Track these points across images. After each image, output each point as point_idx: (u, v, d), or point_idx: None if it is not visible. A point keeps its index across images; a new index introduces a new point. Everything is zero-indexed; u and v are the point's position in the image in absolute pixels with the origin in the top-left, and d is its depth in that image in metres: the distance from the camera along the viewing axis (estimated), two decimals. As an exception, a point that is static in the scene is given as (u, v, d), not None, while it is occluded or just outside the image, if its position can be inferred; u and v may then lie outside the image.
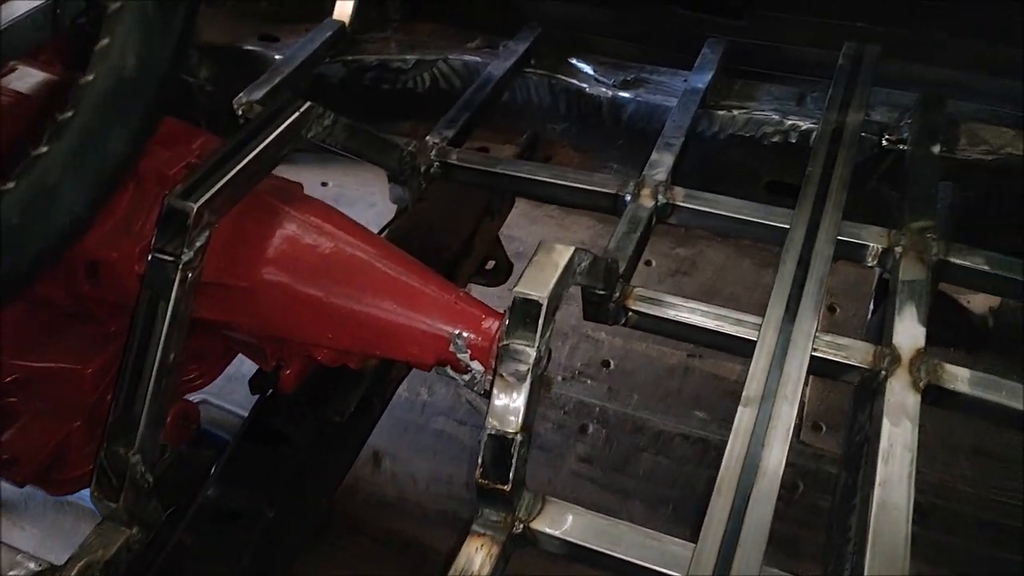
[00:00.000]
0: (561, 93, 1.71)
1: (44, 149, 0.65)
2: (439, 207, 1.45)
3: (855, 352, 0.99)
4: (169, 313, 0.84)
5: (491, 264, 1.76)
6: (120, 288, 0.96)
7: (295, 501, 1.08)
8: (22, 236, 0.65)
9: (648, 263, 2.47)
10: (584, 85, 1.68)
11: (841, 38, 1.57)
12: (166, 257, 0.85)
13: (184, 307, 0.85)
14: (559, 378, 2.16)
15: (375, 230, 2.48)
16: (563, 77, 1.70)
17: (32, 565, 0.81)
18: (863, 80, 1.41)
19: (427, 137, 1.41)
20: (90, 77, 0.70)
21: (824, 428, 1.98)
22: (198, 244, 0.86)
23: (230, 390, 1.67)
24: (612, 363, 2.19)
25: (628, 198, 1.27)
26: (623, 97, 1.65)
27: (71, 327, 1.02)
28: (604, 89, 1.66)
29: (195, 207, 0.85)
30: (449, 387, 2.13)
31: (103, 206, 0.73)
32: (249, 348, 1.09)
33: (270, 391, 1.14)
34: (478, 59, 1.75)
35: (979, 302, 2.09)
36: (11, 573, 0.81)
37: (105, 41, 0.70)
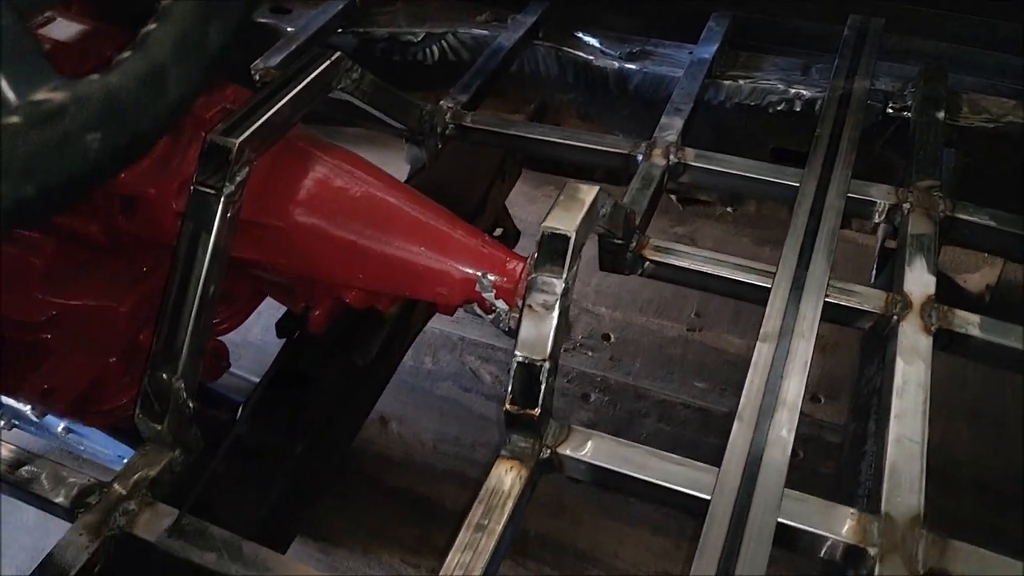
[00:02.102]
0: (568, 64, 1.75)
1: (152, 27, 0.68)
2: (454, 167, 1.48)
3: (868, 298, 1.03)
4: (211, 245, 0.87)
5: (499, 232, 1.79)
6: (156, 224, 0.99)
7: (321, 440, 1.11)
8: (139, 104, 0.68)
9: (646, 241, 2.50)
10: (591, 57, 1.72)
11: (843, 13, 1.61)
12: (208, 190, 0.87)
13: (225, 240, 0.88)
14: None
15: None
16: (570, 50, 1.74)
17: (80, 480, 0.84)
18: (868, 51, 1.45)
19: (441, 102, 1.44)
20: None
21: (822, 399, 2.02)
22: (239, 179, 0.88)
23: (237, 355, 1.71)
24: (612, 336, 2.23)
25: (640, 158, 1.30)
26: (629, 68, 1.68)
27: (104, 265, 1.04)
28: (610, 60, 1.70)
29: (236, 143, 0.87)
30: (453, 355, 2.17)
31: (202, 92, 0.76)
32: (279, 289, 1.11)
33: (296, 334, 1.17)
34: (486, 32, 1.78)
35: (976, 281, 2.13)
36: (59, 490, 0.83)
37: None
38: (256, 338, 2.01)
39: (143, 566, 0.84)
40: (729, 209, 2.70)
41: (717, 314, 2.26)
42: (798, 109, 1.54)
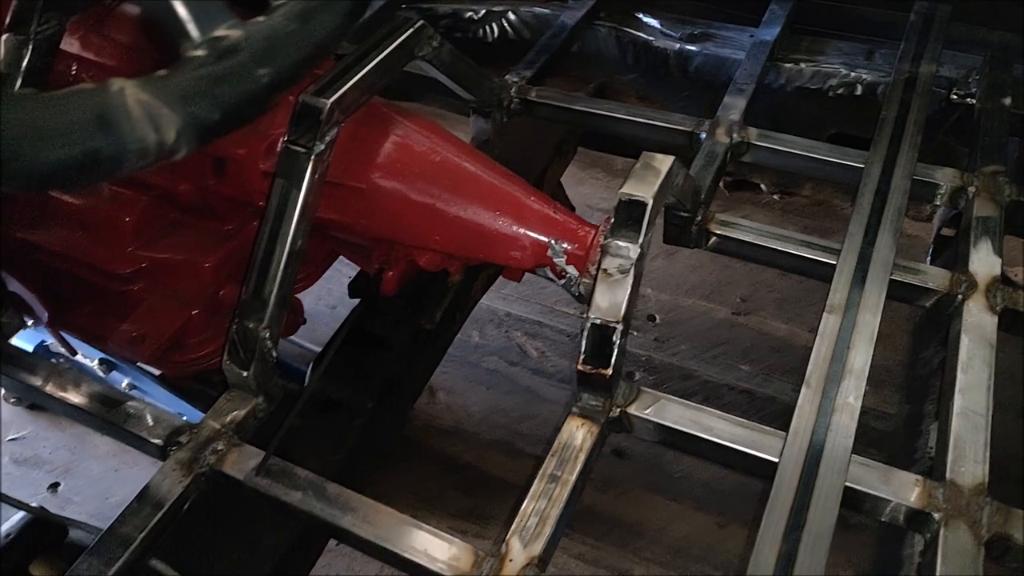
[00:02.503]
0: (628, 45, 1.76)
1: None
2: (516, 142, 1.50)
3: (933, 277, 1.05)
4: (300, 201, 0.91)
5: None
6: (244, 184, 1.03)
7: (390, 398, 1.15)
8: (296, 42, 0.73)
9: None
10: (651, 38, 1.73)
11: (906, 1, 1.61)
12: (299, 148, 0.91)
13: (313, 196, 0.92)
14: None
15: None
16: (630, 30, 1.75)
17: (171, 420, 0.88)
18: (935, 36, 1.46)
19: (506, 76, 1.47)
20: None
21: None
22: (328, 138, 0.92)
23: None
24: (658, 317, 2.25)
25: (703, 136, 1.32)
26: (690, 50, 1.70)
27: (192, 224, 1.09)
28: (671, 42, 1.71)
29: (328, 103, 0.91)
30: (499, 330, 2.20)
31: (344, 35, 0.81)
32: (356, 250, 1.15)
33: (369, 295, 1.21)
34: (547, 11, 1.81)
35: (1028, 275, 2.12)
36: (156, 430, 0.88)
37: None
38: (307, 307, 2.06)
39: (230, 502, 0.88)
40: (776, 196, 2.70)
41: (763, 299, 2.27)
42: (859, 93, 1.55)
